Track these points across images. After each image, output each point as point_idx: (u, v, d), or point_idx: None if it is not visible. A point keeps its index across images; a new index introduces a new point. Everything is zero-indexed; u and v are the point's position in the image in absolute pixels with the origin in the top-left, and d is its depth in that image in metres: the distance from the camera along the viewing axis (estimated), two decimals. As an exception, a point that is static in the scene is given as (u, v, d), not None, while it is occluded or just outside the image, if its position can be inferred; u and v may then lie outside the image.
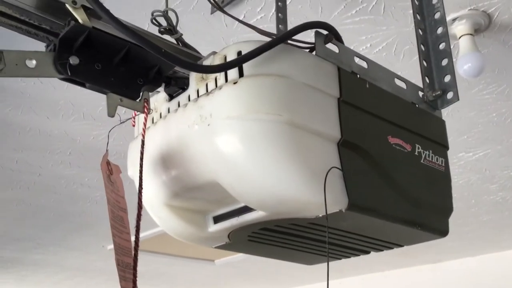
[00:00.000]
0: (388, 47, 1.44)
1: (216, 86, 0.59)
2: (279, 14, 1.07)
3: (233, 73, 0.58)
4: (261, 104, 0.55)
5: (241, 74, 0.57)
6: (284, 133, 0.56)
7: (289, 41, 0.65)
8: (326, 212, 0.56)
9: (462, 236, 2.98)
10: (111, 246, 3.05)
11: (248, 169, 0.56)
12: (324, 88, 0.61)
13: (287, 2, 1.24)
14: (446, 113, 1.77)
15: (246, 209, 0.64)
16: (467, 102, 1.70)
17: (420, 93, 0.75)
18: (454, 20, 1.31)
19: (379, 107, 0.67)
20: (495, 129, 1.86)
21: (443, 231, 0.71)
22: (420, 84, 0.77)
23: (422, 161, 0.70)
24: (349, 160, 0.62)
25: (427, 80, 0.77)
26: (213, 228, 0.68)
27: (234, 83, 0.57)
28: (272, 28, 1.26)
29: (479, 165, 2.13)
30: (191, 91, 0.62)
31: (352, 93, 0.64)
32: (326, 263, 0.84)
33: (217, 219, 0.68)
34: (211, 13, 1.28)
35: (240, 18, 1.31)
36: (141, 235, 3.04)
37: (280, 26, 1.07)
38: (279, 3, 1.09)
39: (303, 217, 0.63)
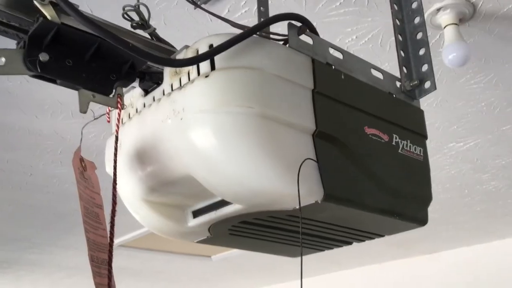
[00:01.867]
0: (374, 39, 1.44)
1: (189, 80, 0.59)
2: (261, 8, 1.07)
3: (204, 66, 0.58)
4: (232, 96, 0.55)
5: (212, 68, 0.57)
6: (256, 126, 0.56)
7: (263, 34, 0.65)
8: (300, 203, 0.56)
9: (457, 226, 2.99)
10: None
11: (221, 162, 0.56)
12: (298, 79, 0.61)
13: (271, -4, 1.23)
14: (435, 104, 1.77)
15: (224, 203, 0.64)
16: (455, 92, 1.70)
17: (398, 83, 0.76)
18: (438, 10, 1.31)
19: (355, 98, 0.67)
20: (484, 118, 1.86)
21: (422, 220, 0.71)
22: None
23: (399, 151, 0.70)
24: (325, 151, 0.62)
25: (405, 70, 0.77)
26: (193, 222, 0.68)
27: (206, 76, 0.57)
28: (256, 22, 1.25)
29: (470, 155, 2.13)
30: (165, 85, 0.62)
31: (327, 84, 0.64)
32: (313, 254, 0.85)
33: (196, 214, 0.68)
34: (195, 8, 1.28)
35: (225, 12, 1.31)
36: (137, 232, 3.04)
37: (262, 19, 1.07)
38: (261, -3, 1.08)
39: (281, 209, 0.63)
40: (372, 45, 1.46)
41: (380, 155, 0.68)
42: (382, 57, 1.51)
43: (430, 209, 2.52)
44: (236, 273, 4.03)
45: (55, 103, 1.70)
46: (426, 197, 0.72)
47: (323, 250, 0.82)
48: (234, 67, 0.57)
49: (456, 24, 1.32)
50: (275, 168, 0.57)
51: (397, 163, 0.70)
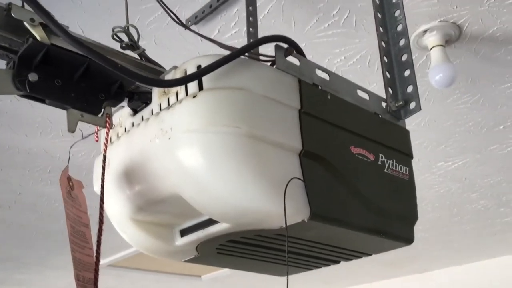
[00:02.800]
0: (362, 60, 1.46)
1: (177, 100, 0.60)
2: (250, 29, 1.09)
3: (192, 87, 0.59)
4: (219, 116, 0.56)
5: (200, 88, 0.58)
6: (243, 145, 0.57)
7: (251, 55, 0.66)
8: (286, 222, 0.57)
9: (447, 245, 3.00)
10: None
11: (208, 182, 0.57)
12: (285, 100, 0.62)
13: (260, 17, 1.25)
14: (423, 124, 1.79)
15: (211, 222, 0.65)
16: (443, 112, 1.72)
17: (383, 104, 0.77)
18: (425, 31, 1.33)
19: (341, 118, 0.68)
20: (472, 138, 1.88)
21: (408, 239, 0.71)
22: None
23: (385, 170, 0.71)
24: (311, 171, 0.62)
25: (390, 91, 0.78)
26: (180, 241, 0.68)
27: (194, 96, 0.57)
28: (245, 42, 1.27)
29: (458, 174, 2.15)
30: (153, 105, 0.63)
31: (313, 105, 0.65)
32: (305, 272, 0.85)
33: (184, 232, 0.68)
34: (185, 29, 1.29)
35: (215, 33, 1.33)
36: (126, 252, 3.01)
37: (251, 40, 1.08)
38: (250, 18, 1.10)
39: (268, 228, 0.63)
40: (360, 66, 1.48)
41: (366, 175, 0.68)
42: (370, 78, 1.53)
43: (420, 228, 2.54)
44: (226, 293, 4.00)
45: (45, 122, 1.70)
46: (412, 216, 0.73)
47: (311, 269, 0.82)
48: (221, 88, 0.58)
49: (442, 45, 1.35)
50: (262, 187, 0.57)
51: (383, 182, 0.70)
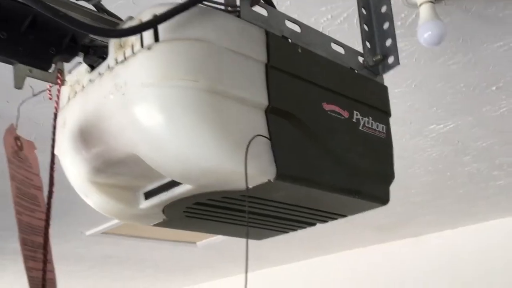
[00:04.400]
0: (350, 19, 1.41)
1: (133, 53, 0.56)
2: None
3: (148, 38, 0.55)
4: (175, 69, 0.52)
5: (156, 39, 0.54)
6: (202, 100, 0.53)
7: (214, 5, 0.62)
8: (247, 181, 0.54)
9: (440, 209, 2.99)
10: (91, 232, 3.01)
11: (165, 140, 0.53)
12: (250, 53, 0.58)
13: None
14: (414, 85, 1.75)
15: (174, 183, 0.62)
16: (434, 73, 1.68)
17: (360, 59, 0.73)
18: (413, -13, 1.28)
19: (312, 73, 0.64)
20: (464, 100, 1.84)
21: (383, 199, 0.69)
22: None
23: (360, 128, 0.68)
24: (279, 128, 0.59)
25: (368, 45, 0.74)
26: (145, 204, 0.65)
27: (149, 48, 0.53)
28: None
29: (451, 137, 2.12)
30: (110, 60, 0.59)
31: (281, 58, 0.61)
32: (282, 234, 0.82)
33: (148, 195, 0.65)
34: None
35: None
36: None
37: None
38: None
39: (234, 190, 0.60)
40: (348, 25, 1.43)
41: (339, 132, 0.65)
42: (359, 38, 1.47)
43: (413, 192, 2.52)
44: (222, 259, 4.02)
45: (26, 88, 1.65)
46: (388, 176, 0.70)
47: (286, 232, 0.80)
48: (179, 39, 0.54)
49: (431, 2, 1.29)
50: (222, 145, 0.54)
51: (358, 140, 0.67)
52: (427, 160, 2.31)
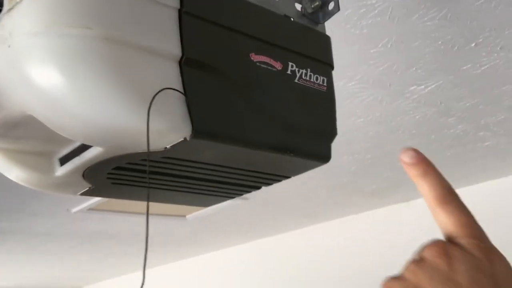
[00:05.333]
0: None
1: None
2: None
3: (35, -17, 0.48)
4: (63, 15, 0.46)
5: (43, -17, 0.48)
6: (97, 50, 0.47)
7: None
8: (148, 141, 0.48)
9: (429, 173, 2.95)
10: (77, 208, 2.96)
11: (59, 97, 0.48)
12: (158, -3, 0.52)
13: None
14: (390, 45, 1.68)
15: (85, 147, 0.56)
16: (409, 31, 1.61)
17: (298, 6, 0.66)
18: None
19: (237, 20, 0.58)
20: (443, 58, 1.77)
21: (323, 156, 0.63)
22: None
23: (296, 80, 0.62)
24: (196, 81, 0.53)
25: (307, -10, 0.67)
26: (60, 171, 0.60)
27: (35, -6, 0.47)
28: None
29: (433, 98, 2.06)
30: (4, 11, 0.53)
31: (198, 4, 0.55)
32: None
33: (62, 161, 0.60)
34: None
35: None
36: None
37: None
38: None
39: (152, 151, 0.55)
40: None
41: (270, 85, 0.59)
42: None
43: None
44: (212, 230, 4.01)
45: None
46: (328, 132, 0.64)
47: (231, 197, 0.75)
48: (68, -19, 0.48)
49: (399, -48, 1.22)
50: (126, 101, 0.49)
51: (293, 94, 0.61)
52: (410, 123, 2.26)
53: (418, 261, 0.41)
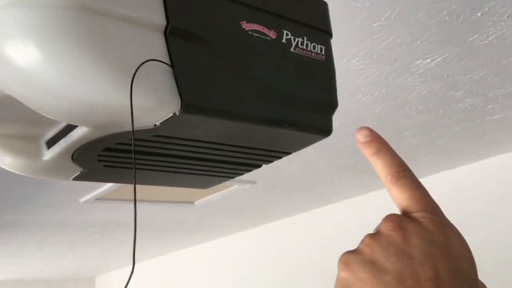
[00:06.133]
0: None
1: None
2: None
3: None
4: (34, -16, 0.43)
5: (13, -50, 0.45)
6: (73, 21, 0.44)
7: None
8: (132, 115, 0.45)
9: (438, 149, 2.91)
10: (84, 199, 2.95)
11: (36, 73, 0.45)
12: (138, -38, 0.48)
13: None
14: (394, 17, 1.63)
15: (71, 127, 0.53)
16: (412, 1, 1.56)
17: (292, -30, 0.63)
18: None
19: (226, -14, 0.54)
20: (449, 29, 1.72)
21: (324, 129, 0.60)
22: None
23: (292, 49, 0.58)
24: (183, 53, 0.50)
25: (301, -46, 0.63)
26: (48, 155, 0.57)
27: (3, -38, 0.44)
28: None
29: (439, 72, 2.01)
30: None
31: (183, -30, 0.51)
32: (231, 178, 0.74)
33: (49, 144, 0.57)
34: None
35: None
36: (112, 184, 2.94)
37: None
38: None
39: (140, 129, 0.52)
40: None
41: (264, 55, 0.56)
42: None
43: (407, 134, 2.40)
44: (221, 216, 4.00)
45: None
46: (328, 103, 0.61)
47: (232, 177, 0.72)
48: None
49: None
50: (106, 75, 0.45)
51: (289, 64, 0.58)
52: (417, 98, 2.21)
53: (374, 234, 0.42)
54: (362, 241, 0.42)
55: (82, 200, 3.17)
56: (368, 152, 0.47)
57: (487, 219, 2.96)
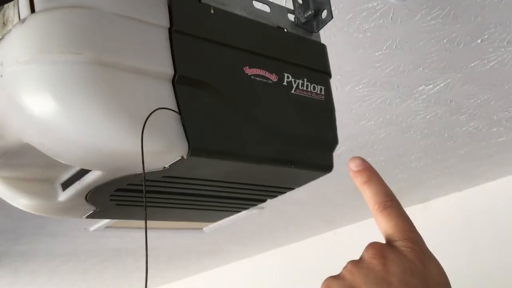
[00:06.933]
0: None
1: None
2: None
3: (24, 10, 0.49)
4: (52, 42, 0.47)
5: (32, 11, 0.49)
6: (88, 75, 0.47)
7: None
8: (143, 160, 0.48)
9: (444, 172, 2.92)
10: (94, 227, 2.98)
11: (53, 124, 0.48)
12: (147, 18, 0.52)
13: None
14: (395, 46, 1.67)
15: (85, 171, 0.56)
16: (413, 31, 1.60)
17: (291, 16, 0.66)
18: None
19: (229, 35, 0.58)
20: (450, 56, 1.76)
21: (325, 166, 0.63)
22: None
23: (293, 91, 0.62)
24: (190, 99, 0.53)
25: (299, 0, 0.67)
26: (63, 196, 0.60)
27: (23, 22, 0.48)
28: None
29: (443, 97, 2.04)
30: (-3, 42, 0.54)
31: (189, 21, 0.55)
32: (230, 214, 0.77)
33: (65, 186, 0.60)
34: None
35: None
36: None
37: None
38: None
39: (152, 171, 0.55)
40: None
41: (266, 98, 0.59)
42: None
43: (413, 157, 2.42)
44: (230, 241, 4.00)
45: None
46: (329, 141, 0.64)
47: (238, 211, 0.74)
48: (57, 8, 0.48)
49: (396, -47, 1.22)
50: (119, 124, 0.49)
51: (291, 105, 0.61)
52: (421, 123, 2.24)
53: (357, 261, 0.44)
54: (345, 267, 0.44)
55: (92, 228, 3.20)
56: (359, 181, 0.49)
57: (496, 241, 2.95)
